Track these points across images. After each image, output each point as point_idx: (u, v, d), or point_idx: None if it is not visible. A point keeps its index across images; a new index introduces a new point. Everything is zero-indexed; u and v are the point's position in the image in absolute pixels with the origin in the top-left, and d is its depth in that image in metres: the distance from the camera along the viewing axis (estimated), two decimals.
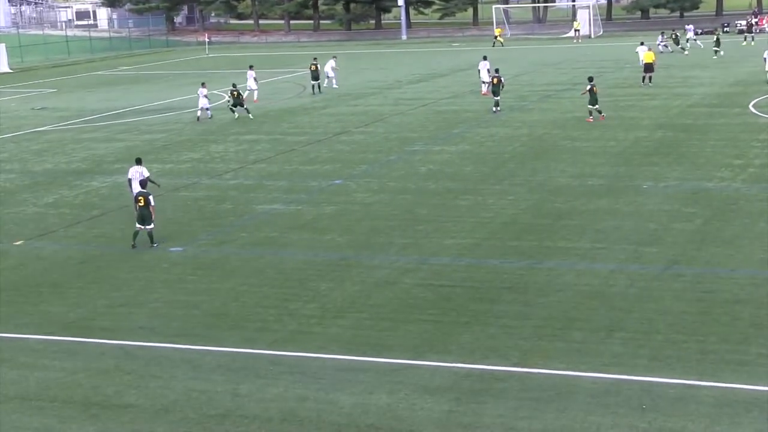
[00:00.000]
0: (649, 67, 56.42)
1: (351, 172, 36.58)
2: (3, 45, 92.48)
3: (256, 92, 58.19)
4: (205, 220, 30.35)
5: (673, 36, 79.01)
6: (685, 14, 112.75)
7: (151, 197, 27.37)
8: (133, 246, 27.32)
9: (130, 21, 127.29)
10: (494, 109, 49.29)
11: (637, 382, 17.17)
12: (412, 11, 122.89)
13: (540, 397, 16.76)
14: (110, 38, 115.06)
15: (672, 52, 75.54)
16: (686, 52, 74.75)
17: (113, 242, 28.35)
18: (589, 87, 44.42)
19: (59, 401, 17.60)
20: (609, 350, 18.60)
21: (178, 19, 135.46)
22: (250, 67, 60.56)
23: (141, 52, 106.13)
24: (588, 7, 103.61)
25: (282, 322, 21.15)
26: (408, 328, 20.43)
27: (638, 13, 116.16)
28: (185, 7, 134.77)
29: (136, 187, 29.00)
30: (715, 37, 73.11)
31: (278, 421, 16.40)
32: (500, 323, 20.37)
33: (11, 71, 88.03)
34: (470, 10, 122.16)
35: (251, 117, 51.17)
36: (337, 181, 34.96)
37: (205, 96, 52.11)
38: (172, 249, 27.23)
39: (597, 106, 44.53)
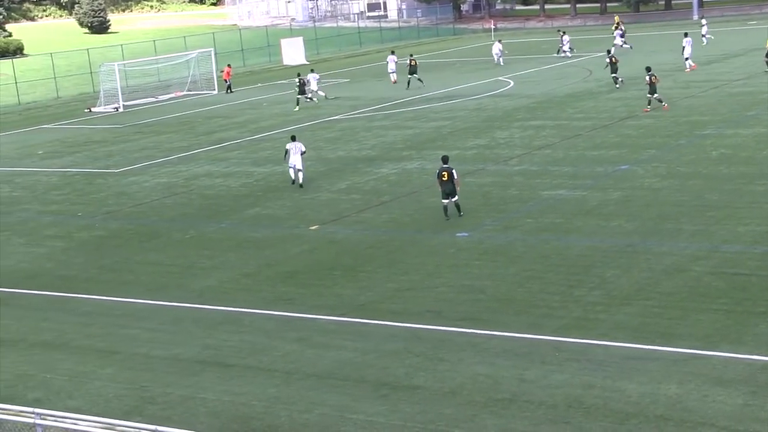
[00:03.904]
0: None
1: (638, 157, 35.72)
2: (301, 38, 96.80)
3: (318, 93, 60.57)
4: (490, 206, 30.61)
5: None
6: None
7: (454, 171, 28.89)
8: (447, 218, 28.82)
9: (418, 11, 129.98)
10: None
11: None
12: None
13: None
14: (399, 28, 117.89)
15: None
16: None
17: (401, 227, 29.14)
18: (647, 77, 44.91)
19: (352, 380, 18.32)
20: None
21: (464, 7, 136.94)
22: (311, 71, 63.49)
23: (428, 41, 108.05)
24: None
25: (567, 308, 21.01)
26: (698, 317, 19.76)
27: None
28: None
29: (293, 160, 35.55)
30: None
31: (564, 408, 16.32)
32: None
33: (308, 63, 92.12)
34: None
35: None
36: (623, 167, 34.24)
37: (317, 80, 60.54)
38: (458, 234, 27.66)
39: (656, 95, 44.85)
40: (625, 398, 16.45)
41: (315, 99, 60.03)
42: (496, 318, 20.88)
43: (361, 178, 36.81)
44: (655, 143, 37.93)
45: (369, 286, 23.78)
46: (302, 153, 35.79)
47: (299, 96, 58.29)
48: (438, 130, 45.99)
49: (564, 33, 76.15)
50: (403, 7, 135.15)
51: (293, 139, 36.29)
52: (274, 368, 19.22)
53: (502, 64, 72.29)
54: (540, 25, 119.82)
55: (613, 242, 25.55)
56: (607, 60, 55.80)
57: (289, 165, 36.06)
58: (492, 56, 73.77)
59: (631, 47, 73.79)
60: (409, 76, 63.03)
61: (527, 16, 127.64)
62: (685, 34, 61.07)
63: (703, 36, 74.47)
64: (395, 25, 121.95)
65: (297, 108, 57.54)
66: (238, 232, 30.32)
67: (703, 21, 78.90)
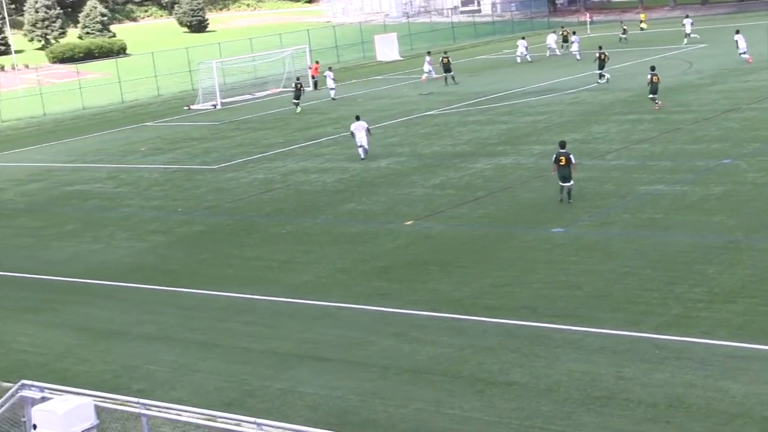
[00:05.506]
0: None
1: (741, 150, 34.93)
2: (395, 34, 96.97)
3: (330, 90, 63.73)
4: (586, 201, 30.27)
5: (563, 35, 78.30)
6: None
7: (571, 156, 29.82)
8: (561, 200, 29.95)
9: (512, 5, 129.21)
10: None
11: None
12: None
13: None
14: (493, 23, 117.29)
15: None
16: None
17: (496, 222, 29.01)
18: (649, 76, 45.30)
19: (448, 375, 18.32)
20: None
21: (559, 0, 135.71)
22: (329, 69, 67.53)
23: (523, 35, 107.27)
24: None
25: (666, 305, 20.67)
26: None
27: None
28: None
29: (360, 138, 40.10)
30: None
31: (664, 407, 16.06)
32: None
33: (402, 59, 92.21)
34: None
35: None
36: (725, 161, 33.53)
37: (333, 79, 64.28)
38: (554, 230, 27.42)
39: (656, 95, 45.14)
40: (729, 398, 16.11)
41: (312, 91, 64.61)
42: (592, 314, 20.66)
43: (456, 173, 36.72)
44: (760, 136, 37.02)
45: (464, 282, 23.74)
46: (367, 129, 40.41)
47: (295, 101, 59.39)
48: (533, 125, 45.64)
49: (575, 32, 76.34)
50: (497, 1, 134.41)
51: (357, 118, 40.91)
52: (370, 363, 19.32)
53: (528, 60, 74.81)
54: (637, 17, 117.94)
55: (715, 238, 25.05)
56: (597, 55, 57.54)
57: (357, 144, 40.57)
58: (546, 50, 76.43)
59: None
60: (445, 74, 65.76)
61: (624, 8, 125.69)
62: (737, 31, 61.34)
63: (688, 35, 73.62)
64: (489, 19, 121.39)
65: (299, 110, 59.01)
66: (334, 227, 30.54)
67: (686, 21, 76.80)
